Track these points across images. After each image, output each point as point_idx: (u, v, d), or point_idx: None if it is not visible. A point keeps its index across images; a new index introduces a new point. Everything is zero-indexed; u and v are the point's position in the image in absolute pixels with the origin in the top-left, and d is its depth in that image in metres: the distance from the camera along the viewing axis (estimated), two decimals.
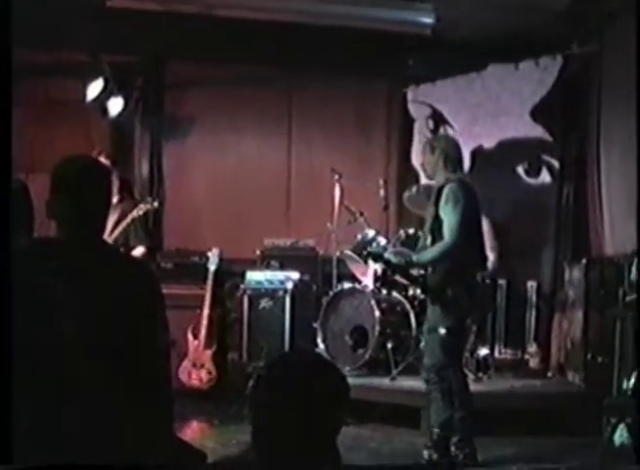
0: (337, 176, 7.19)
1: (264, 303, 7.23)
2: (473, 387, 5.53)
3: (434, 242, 5.11)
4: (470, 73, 7.70)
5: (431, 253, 5.11)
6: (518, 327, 7.44)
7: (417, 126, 8.12)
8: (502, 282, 7.43)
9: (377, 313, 6.60)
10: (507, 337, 7.43)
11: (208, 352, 7.07)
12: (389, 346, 6.57)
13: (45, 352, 2.35)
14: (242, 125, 8.34)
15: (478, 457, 5.10)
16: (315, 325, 6.91)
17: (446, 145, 5.37)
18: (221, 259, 7.33)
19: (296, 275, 7.33)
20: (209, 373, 7.03)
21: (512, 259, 7.52)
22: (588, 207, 7.24)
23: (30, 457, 2.28)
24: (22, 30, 2.74)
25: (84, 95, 7.40)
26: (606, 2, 6.79)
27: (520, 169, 7.63)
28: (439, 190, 5.13)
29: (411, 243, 6.18)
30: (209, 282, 7.21)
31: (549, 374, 7.15)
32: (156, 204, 6.80)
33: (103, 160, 6.07)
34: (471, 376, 6.31)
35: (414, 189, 7.11)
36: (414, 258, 5.22)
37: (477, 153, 7.52)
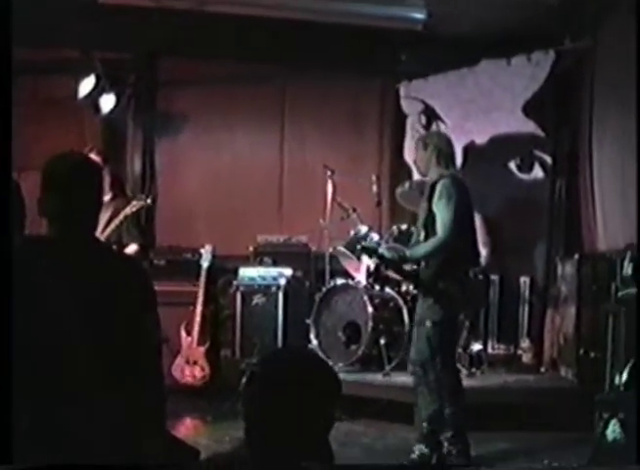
0: (329, 173, 7.18)
1: (257, 299, 7.23)
2: (466, 382, 5.53)
3: (427, 237, 5.11)
4: (462, 69, 7.70)
5: (424, 248, 5.11)
6: (510, 322, 7.47)
7: (409, 122, 8.12)
8: (495, 277, 7.46)
9: (370, 309, 6.60)
10: (500, 332, 7.45)
11: (201, 349, 7.06)
12: (382, 342, 6.57)
13: (40, 351, 2.34)
14: (234, 122, 8.33)
15: (471, 453, 5.11)
16: (308, 321, 6.90)
17: (439, 141, 5.37)
18: (214, 256, 7.31)
19: (288, 271, 7.33)
20: (202, 370, 7.02)
21: (504, 255, 7.55)
22: (581, 202, 7.25)
23: (30, 457, 2.28)
24: (16, 28, 2.72)
25: (76, 92, 7.40)
26: None
27: (512, 165, 7.64)
28: (432, 186, 5.13)
29: (404, 239, 6.17)
30: (202, 279, 7.21)
31: (542, 369, 7.17)
32: (149, 201, 6.77)
33: (94, 157, 6.06)
34: (464, 371, 6.34)
35: (407, 185, 7.12)
36: (407, 253, 5.22)
37: (469, 148, 7.53)
